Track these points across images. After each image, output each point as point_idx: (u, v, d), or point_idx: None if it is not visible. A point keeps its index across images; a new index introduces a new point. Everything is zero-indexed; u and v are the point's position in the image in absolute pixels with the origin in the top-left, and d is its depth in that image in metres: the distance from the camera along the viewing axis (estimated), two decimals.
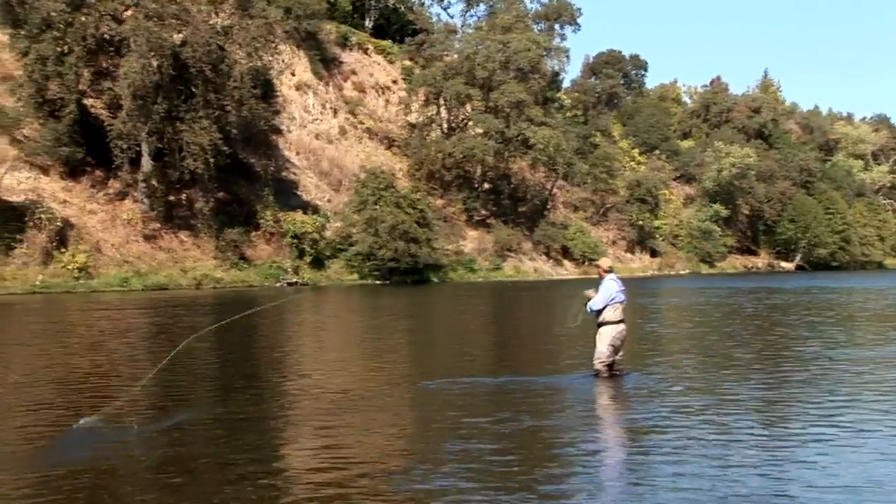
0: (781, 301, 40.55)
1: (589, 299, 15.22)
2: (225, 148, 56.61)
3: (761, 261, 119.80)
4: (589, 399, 13.85)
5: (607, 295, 14.95)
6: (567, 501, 8.10)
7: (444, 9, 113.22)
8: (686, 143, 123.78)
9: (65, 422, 11.67)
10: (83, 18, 53.75)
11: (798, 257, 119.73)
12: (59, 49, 53.31)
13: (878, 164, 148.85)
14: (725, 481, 8.61)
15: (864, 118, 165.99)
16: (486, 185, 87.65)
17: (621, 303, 15.05)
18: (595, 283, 15.49)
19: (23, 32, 53.56)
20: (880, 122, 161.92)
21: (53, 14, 52.56)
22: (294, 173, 71.51)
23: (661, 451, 9.92)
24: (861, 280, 73.33)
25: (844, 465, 9.29)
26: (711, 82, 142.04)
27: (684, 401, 13.13)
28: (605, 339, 14.87)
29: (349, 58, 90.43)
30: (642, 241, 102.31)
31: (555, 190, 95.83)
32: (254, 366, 17.67)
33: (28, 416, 12.36)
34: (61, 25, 53.12)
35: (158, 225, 56.68)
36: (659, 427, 11.19)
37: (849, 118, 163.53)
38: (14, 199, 50.36)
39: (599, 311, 15.03)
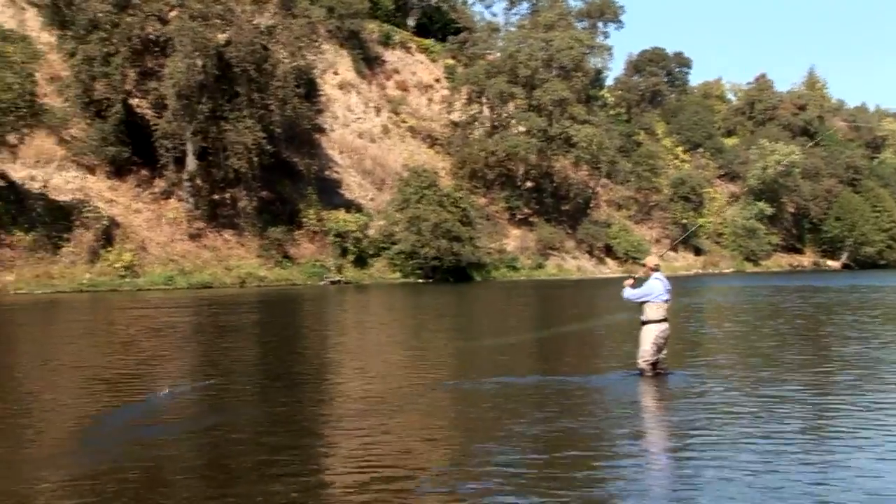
0: (825, 300, 40.00)
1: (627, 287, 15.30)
2: (269, 147, 56.87)
3: (807, 259, 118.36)
4: (632, 399, 13.63)
5: (647, 292, 14.89)
6: None
7: (487, 7, 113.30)
8: (730, 141, 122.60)
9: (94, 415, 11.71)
10: (129, 19, 54.18)
11: (844, 256, 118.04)
12: (105, 50, 53.78)
13: None
14: (771, 487, 8.37)
15: None
16: (529, 184, 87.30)
17: (666, 301, 14.92)
18: (640, 280, 15.35)
19: (70, 34, 54.14)
20: None
21: (100, 15, 53.06)
22: (337, 172, 71.63)
23: (705, 454, 9.68)
24: None
25: None
26: (756, 79, 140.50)
27: (729, 401, 12.88)
28: (649, 337, 14.73)
29: (392, 56, 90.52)
30: (686, 239, 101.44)
31: (598, 188, 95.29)
32: (293, 365, 17.57)
33: (64, 413, 12.39)
34: (108, 26, 53.61)
35: (203, 224, 56.98)
36: (703, 428, 10.95)
37: None
38: (62, 198, 50.89)
39: (640, 307, 14.96)
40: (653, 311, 14.81)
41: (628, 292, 15.10)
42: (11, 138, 46.77)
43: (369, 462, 9.44)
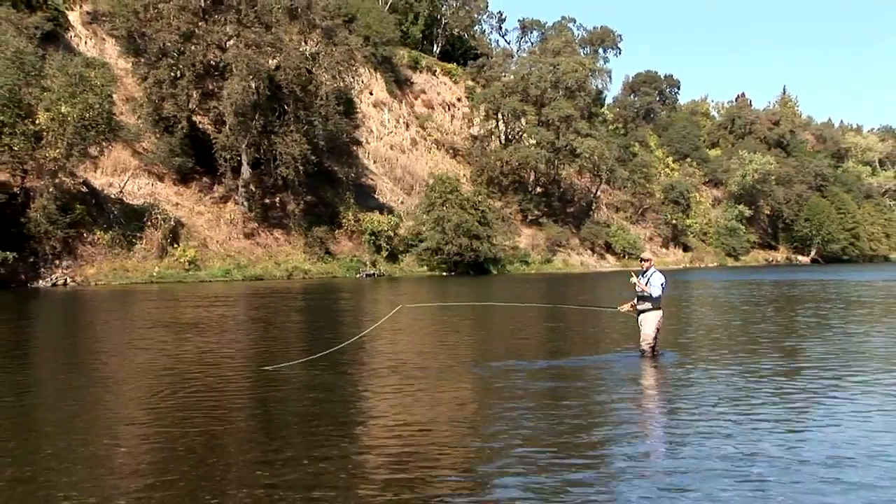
0: (799, 292, 39.60)
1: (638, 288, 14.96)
2: (313, 157, 56.86)
3: (780, 255, 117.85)
4: (635, 376, 13.41)
5: (662, 282, 14.69)
6: (610, 478, 7.73)
7: (502, 36, 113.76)
8: (714, 152, 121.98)
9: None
10: (193, 48, 54.29)
11: (813, 252, 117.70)
12: (172, 74, 54.00)
13: (885, 170, 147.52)
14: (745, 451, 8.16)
15: (872, 129, 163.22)
16: (539, 189, 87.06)
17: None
18: (639, 273, 15.12)
19: (142, 60, 54.36)
20: (886, 132, 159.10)
21: (168, 44, 53.19)
22: (372, 179, 71.58)
23: (696, 425, 9.46)
24: (875, 272, 71.20)
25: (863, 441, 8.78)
26: (737, 98, 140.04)
27: (718, 378, 12.65)
28: (652, 323, 14.57)
29: (419, 79, 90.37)
30: (675, 237, 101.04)
31: (599, 193, 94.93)
32: (332, 347, 17.35)
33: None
34: (175, 54, 53.76)
35: (256, 224, 57.02)
36: (694, 401, 10.74)
37: (858, 129, 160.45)
38: (135, 202, 51.14)
39: (656, 297, 14.70)
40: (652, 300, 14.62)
41: (657, 291, 14.59)
42: (93, 150, 46.92)
43: (400, 435, 9.27)
